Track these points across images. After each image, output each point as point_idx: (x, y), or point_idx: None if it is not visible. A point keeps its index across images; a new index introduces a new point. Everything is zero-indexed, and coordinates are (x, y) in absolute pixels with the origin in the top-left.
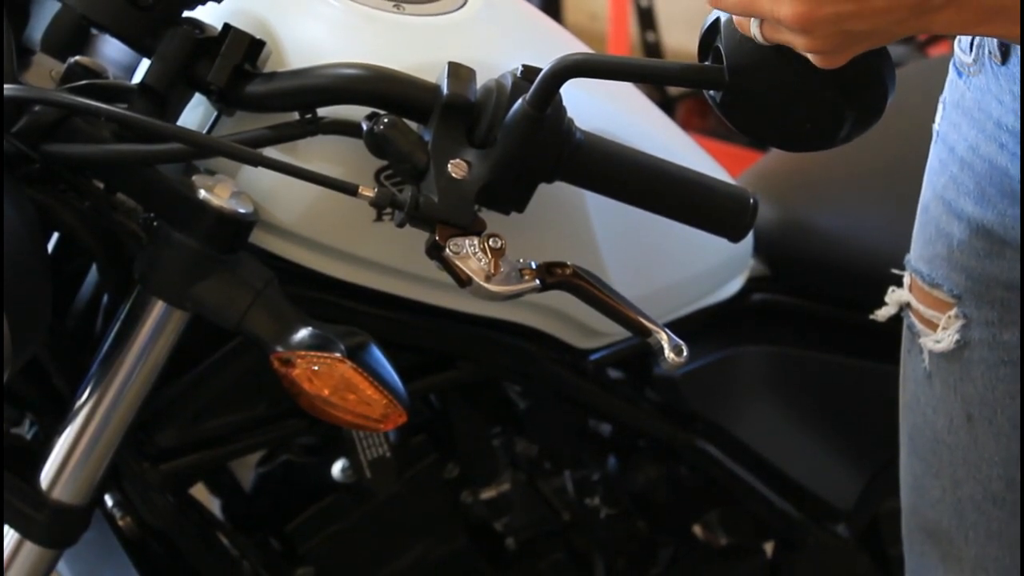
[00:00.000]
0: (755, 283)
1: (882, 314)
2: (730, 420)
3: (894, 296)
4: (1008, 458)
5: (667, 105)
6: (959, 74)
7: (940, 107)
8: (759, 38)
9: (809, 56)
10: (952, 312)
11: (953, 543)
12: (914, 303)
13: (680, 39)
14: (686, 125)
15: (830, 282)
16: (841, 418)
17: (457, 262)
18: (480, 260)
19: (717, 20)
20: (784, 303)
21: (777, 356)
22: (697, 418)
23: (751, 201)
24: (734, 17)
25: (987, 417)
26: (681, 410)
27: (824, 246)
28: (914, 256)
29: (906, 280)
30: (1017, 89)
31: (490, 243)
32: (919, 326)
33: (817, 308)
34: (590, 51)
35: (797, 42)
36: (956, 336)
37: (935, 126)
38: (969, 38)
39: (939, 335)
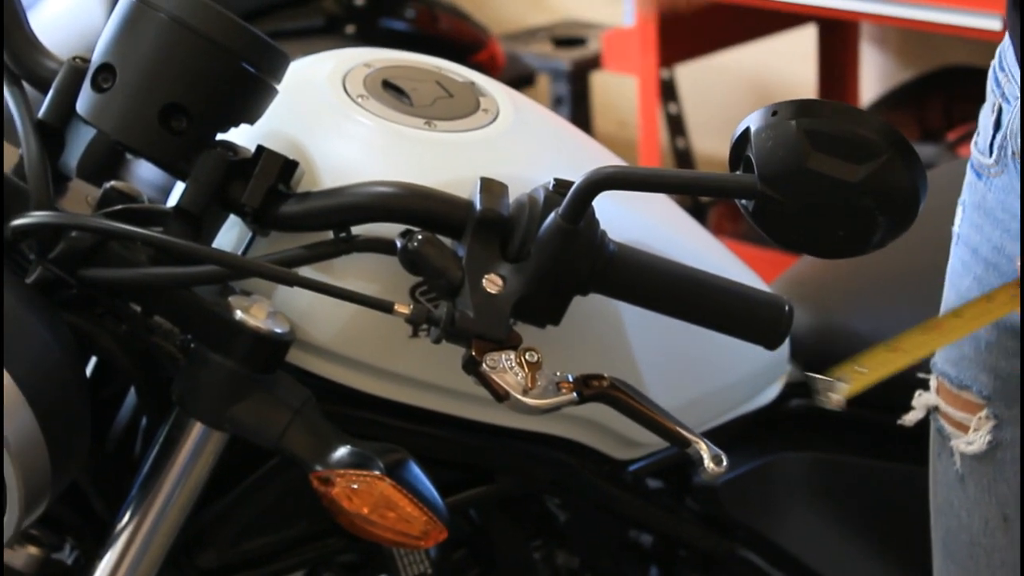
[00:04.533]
0: (793, 389)
1: (910, 419)
2: (771, 528)
3: (921, 400)
4: None
5: (699, 210)
6: (978, 176)
7: (960, 209)
8: None
9: None
10: (983, 413)
11: None
12: (943, 406)
13: (710, 144)
14: (718, 230)
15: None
16: (885, 523)
17: (494, 377)
18: (517, 374)
19: (747, 130)
20: (823, 409)
21: (817, 462)
22: (738, 526)
23: (786, 308)
24: None
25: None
26: (722, 519)
27: (861, 350)
28: (940, 358)
29: (933, 383)
30: None
31: (526, 357)
32: (949, 429)
33: (856, 413)
34: (621, 162)
35: None
36: (988, 437)
37: (955, 228)
38: (988, 141)
39: (971, 437)
